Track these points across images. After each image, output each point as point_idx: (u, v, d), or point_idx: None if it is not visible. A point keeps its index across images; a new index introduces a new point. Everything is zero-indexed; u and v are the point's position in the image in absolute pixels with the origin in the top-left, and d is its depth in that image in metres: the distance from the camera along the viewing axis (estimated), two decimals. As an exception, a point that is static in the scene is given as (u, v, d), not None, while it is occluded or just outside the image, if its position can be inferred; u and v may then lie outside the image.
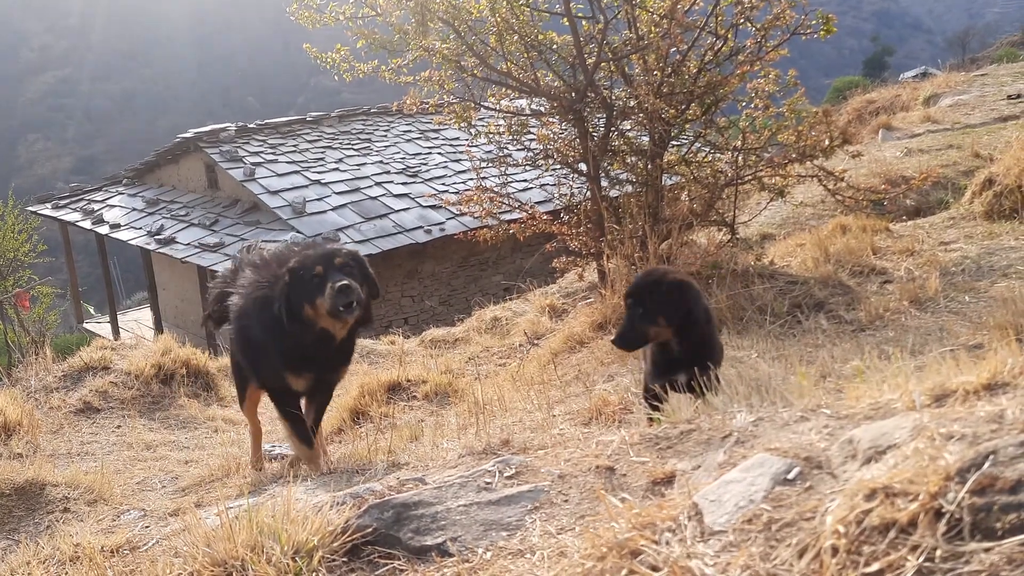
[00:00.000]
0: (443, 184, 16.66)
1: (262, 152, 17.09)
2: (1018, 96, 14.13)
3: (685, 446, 1.96)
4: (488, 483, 2.00)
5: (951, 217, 7.67)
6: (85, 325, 21.64)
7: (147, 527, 3.23)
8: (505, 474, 2.04)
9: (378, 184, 16.47)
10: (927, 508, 1.16)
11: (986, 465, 1.14)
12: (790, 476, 1.48)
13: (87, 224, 18.75)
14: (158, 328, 18.72)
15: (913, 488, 1.18)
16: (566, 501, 1.87)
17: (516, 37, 7.00)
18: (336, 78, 7.52)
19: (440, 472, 2.31)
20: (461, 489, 1.96)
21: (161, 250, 16.02)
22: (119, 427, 6.28)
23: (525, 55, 7.13)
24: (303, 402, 4.00)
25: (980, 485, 1.12)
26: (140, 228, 17.29)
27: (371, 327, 4.03)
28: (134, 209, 18.61)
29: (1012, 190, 7.12)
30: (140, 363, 7.04)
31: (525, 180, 14.05)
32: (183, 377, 7.10)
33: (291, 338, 3.61)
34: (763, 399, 2.19)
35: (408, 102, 7.72)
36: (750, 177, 7.12)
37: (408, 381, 6.28)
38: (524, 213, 7.91)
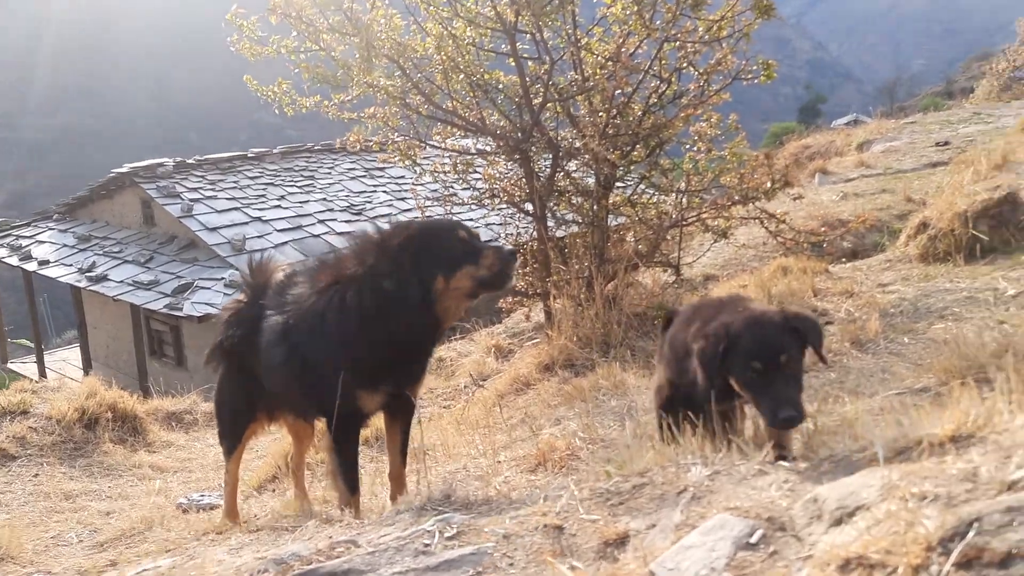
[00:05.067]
0: (388, 223, 16.47)
1: (201, 188, 16.68)
2: (946, 143, 14.64)
3: (638, 502, 1.84)
4: (427, 545, 1.84)
5: (887, 259, 7.80)
6: (9, 365, 20.65)
7: (53, 592, 2.96)
8: (446, 535, 1.88)
9: (321, 222, 16.21)
10: (907, 581, 1.06)
11: (971, 534, 1.04)
12: (752, 540, 1.37)
13: (14, 260, 17.99)
14: (87, 368, 17.95)
15: (892, 560, 1.08)
16: (511, 565, 1.73)
17: (462, 76, 6.96)
18: (277, 111, 7.36)
19: (376, 530, 2.15)
20: (397, 553, 1.79)
21: (92, 287, 15.43)
22: (36, 476, 5.92)
23: (471, 94, 7.10)
24: (386, 427, 3.50)
25: (966, 557, 1.02)
26: (71, 265, 16.65)
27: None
28: (65, 245, 17.93)
29: (946, 234, 7.27)
30: (62, 407, 6.68)
31: (471, 219, 13.97)
32: (108, 421, 6.74)
33: (386, 333, 3.06)
34: (717, 449, 2.09)
35: (352, 139, 7.61)
36: (694, 219, 7.17)
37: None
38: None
